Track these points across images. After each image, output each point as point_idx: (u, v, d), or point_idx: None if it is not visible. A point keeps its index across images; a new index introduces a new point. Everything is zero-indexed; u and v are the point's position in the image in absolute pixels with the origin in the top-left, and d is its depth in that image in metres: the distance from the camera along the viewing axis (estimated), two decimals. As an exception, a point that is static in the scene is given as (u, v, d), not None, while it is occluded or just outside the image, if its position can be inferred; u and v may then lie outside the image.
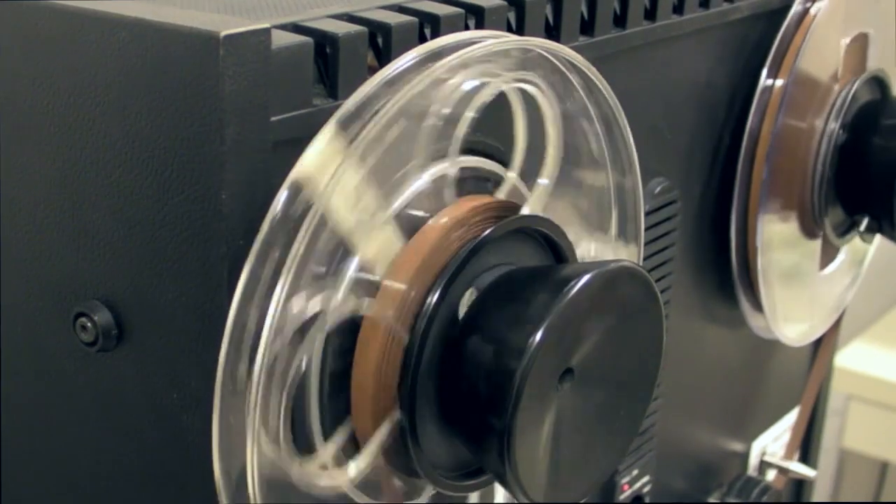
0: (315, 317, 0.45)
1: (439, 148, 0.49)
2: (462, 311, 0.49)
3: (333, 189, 0.44)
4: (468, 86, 0.49)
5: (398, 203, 0.48)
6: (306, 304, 0.45)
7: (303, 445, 0.46)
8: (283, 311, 0.43)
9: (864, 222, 0.83)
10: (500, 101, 0.51)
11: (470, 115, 0.49)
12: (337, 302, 0.46)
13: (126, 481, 0.51)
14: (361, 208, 0.46)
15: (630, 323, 0.51)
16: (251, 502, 0.44)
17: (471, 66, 0.49)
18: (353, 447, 0.48)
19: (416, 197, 0.48)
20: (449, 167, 0.49)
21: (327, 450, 0.47)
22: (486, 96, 0.49)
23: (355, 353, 0.47)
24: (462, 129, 0.49)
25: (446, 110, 0.48)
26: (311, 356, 0.46)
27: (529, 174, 0.53)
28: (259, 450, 0.43)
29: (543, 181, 0.54)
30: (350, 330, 0.47)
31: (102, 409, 0.50)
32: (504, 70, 0.50)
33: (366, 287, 0.47)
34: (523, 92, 0.51)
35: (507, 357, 0.46)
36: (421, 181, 0.48)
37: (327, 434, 0.47)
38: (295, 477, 0.46)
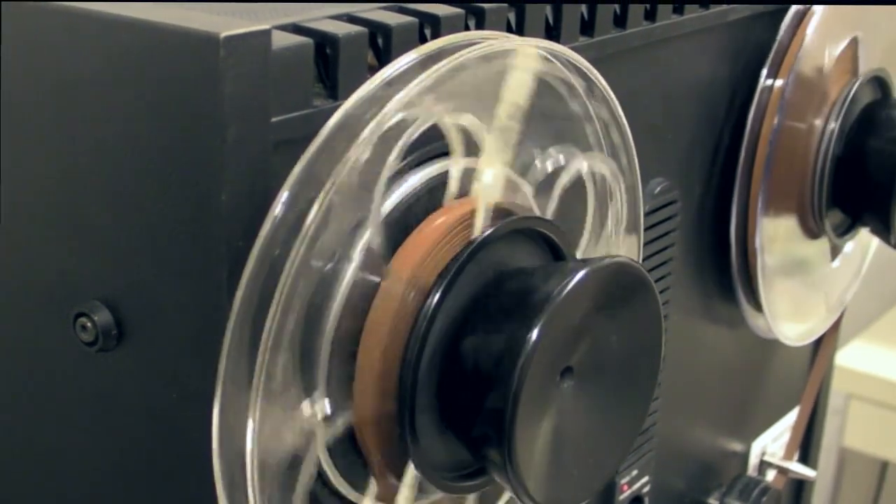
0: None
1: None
2: (468, 302, 0.49)
3: None
4: (550, 167, 0.53)
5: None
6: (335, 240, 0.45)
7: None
8: (317, 232, 0.43)
9: (865, 223, 0.83)
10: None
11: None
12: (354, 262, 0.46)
13: (125, 481, 0.51)
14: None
15: (628, 320, 0.51)
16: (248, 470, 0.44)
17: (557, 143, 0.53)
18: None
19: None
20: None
21: (325, 403, 0.47)
22: (568, 177, 0.54)
23: (368, 318, 0.47)
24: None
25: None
26: (330, 304, 0.46)
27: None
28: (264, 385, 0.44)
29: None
30: (366, 295, 0.47)
31: (102, 409, 0.50)
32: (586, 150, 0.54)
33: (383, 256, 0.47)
34: (594, 175, 0.55)
35: (506, 354, 0.46)
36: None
37: (329, 388, 0.47)
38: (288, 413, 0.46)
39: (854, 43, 0.79)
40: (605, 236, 0.57)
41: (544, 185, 0.54)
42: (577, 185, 0.55)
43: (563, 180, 0.54)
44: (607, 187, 0.57)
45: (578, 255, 0.56)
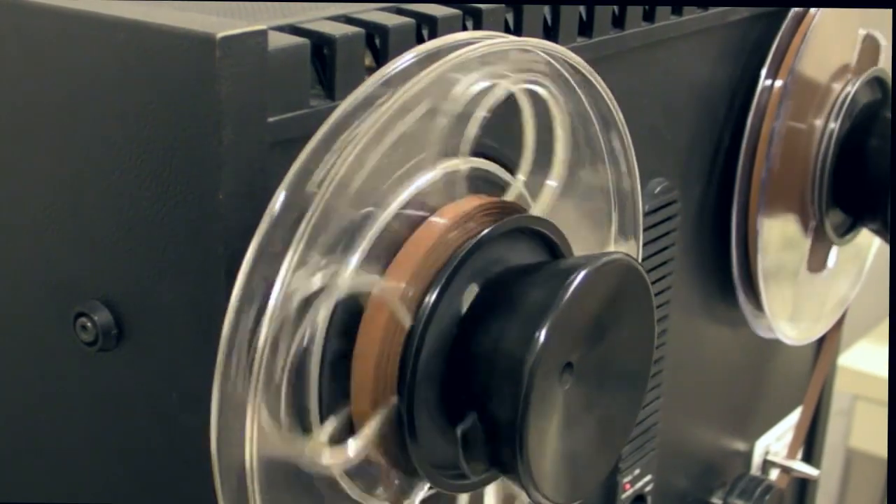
0: (322, 291, 0.45)
1: (451, 145, 0.49)
2: (464, 306, 0.49)
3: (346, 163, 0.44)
4: (479, 86, 0.49)
5: (408, 193, 0.48)
6: (314, 278, 0.45)
7: (299, 426, 0.46)
8: (292, 279, 0.43)
9: (865, 222, 0.83)
10: (508, 103, 0.51)
11: (481, 114, 0.50)
12: (344, 278, 0.46)
13: (125, 481, 0.51)
14: (375, 194, 0.47)
15: (623, 315, 0.51)
16: (248, 485, 0.44)
17: (480, 68, 0.49)
18: (348, 433, 0.48)
19: (427, 189, 0.49)
20: (461, 164, 0.50)
21: (323, 431, 0.47)
22: (496, 96, 0.50)
23: (358, 334, 0.47)
24: (473, 129, 0.50)
25: (457, 109, 0.49)
26: (314, 331, 0.45)
27: (536, 175, 0.54)
28: (259, 427, 0.43)
29: (552, 183, 0.54)
30: (354, 311, 0.47)
31: (102, 409, 0.51)
32: (513, 72, 0.51)
33: (373, 269, 0.47)
34: (532, 94, 0.52)
35: (514, 353, 0.46)
36: (432, 174, 0.49)
37: (324, 416, 0.47)
38: (291, 456, 0.46)
39: (853, 43, 0.79)
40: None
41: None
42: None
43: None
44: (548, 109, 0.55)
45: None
